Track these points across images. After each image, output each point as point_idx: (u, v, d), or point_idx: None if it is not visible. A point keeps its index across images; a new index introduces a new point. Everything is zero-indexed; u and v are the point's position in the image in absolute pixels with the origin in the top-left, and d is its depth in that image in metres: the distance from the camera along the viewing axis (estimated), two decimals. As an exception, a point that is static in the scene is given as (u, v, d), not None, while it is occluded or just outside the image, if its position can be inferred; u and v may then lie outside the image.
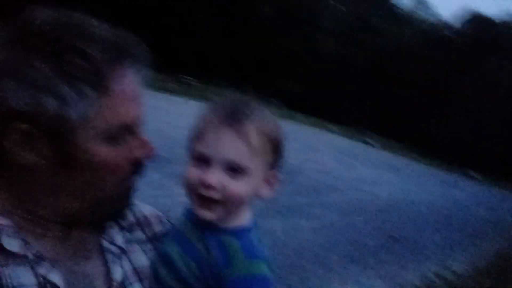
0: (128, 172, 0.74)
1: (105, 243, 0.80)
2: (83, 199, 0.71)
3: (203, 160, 0.81)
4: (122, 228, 0.84)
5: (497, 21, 28.38)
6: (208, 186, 0.79)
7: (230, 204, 0.81)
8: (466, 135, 22.40)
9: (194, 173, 0.81)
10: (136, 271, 0.82)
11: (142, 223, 0.90)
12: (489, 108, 23.03)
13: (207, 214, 0.81)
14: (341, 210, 7.81)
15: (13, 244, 0.67)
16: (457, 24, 30.46)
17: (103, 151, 0.68)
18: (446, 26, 31.08)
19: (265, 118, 0.83)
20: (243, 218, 0.86)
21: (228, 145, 0.79)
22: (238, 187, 0.80)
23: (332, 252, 5.68)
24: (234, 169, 0.80)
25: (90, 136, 0.67)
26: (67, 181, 0.69)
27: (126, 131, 0.71)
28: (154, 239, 0.89)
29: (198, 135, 0.83)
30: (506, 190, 18.70)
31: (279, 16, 24.01)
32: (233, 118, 0.80)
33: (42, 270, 0.68)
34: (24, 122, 0.64)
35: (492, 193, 17.09)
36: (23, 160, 0.66)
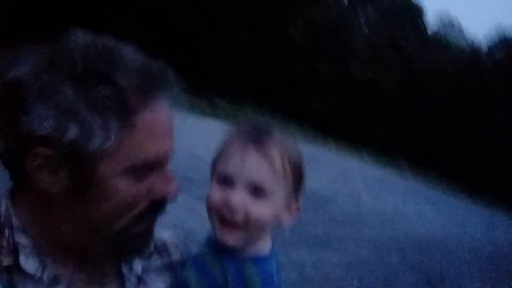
0: (146, 209, 0.71)
1: (125, 272, 0.79)
2: (97, 231, 0.70)
3: (226, 181, 0.81)
4: (141, 256, 0.83)
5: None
6: (231, 208, 0.79)
7: (251, 228, 0.81)
8: (507, 168, 21.11)
9: (217, 194, 0.82)
10: None
11: (161, 251, 0.89)
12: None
13: (228, 239, 0.81)
14: (374, 245, 7.40)
15: (30, 264, 0.67)
16: (487, 46, 29.84)
17: (124, 185, 0.67)
18: (476, 50, 30.47)
19: (288, 143, 0.85)
20: (264, 246, 0.86)
21: (252, 165, 0.80)
22: (260, 210, 0.80)
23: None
24: (257, 192, 0.80)
25: (112, 168, 0.65)
26: (83, 210, 0.68)
27: (150, 168, 0.69)
28: (170, 267, 0.88)
29: (222, 156, 0.84)
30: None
31: (311, 40, 24.19)
32: (257, 140, 0.82)
33: None
34: (46, 147, 0.63)
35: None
36: (43, 185, 0.66)
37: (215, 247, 0.84)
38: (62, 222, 0.69)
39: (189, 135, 11.52)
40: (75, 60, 0.63)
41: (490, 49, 30.47)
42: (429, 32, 33.13)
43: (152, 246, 0.86)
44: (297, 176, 0.85)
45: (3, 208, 0.70)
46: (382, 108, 25.32)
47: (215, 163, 0.85)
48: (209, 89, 18.38)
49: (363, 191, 12.46)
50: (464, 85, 24.13)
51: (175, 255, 0.91)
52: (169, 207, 0.77)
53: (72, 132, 0.62)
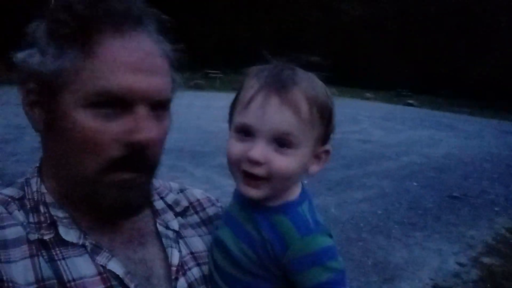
0: (117, 155, 0.65)
1: (161, 228, 0.79)
2: (63, 173, 0.69)
3: (246, 133, 0.74)
4: (176, 213, 0.83)
5: None
6: (253, 162, 0.73)
7: (276, 181, 0.74)
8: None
9: (237, 147, 0.75)
10: (194, 255, 0.81)
11: (196, 207, 0.88)
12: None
13: (252, 192, 0.75)
14: (394, 176, 7.47)
15: (71, 234, 0.67)
16: None
17: (86, 118, 0.63)
18: None
19: (315, 85, 0.75)
20: (293, 193, 0.79)
21: (275, 114, 0.71)
22: (285, 162, 0.73)
23: (391, 220, 5.41)
24: (281, 142, 0.73)
25: (73, 97, 0.64)
26: (56, 146, 0.68)
27: (117, 105, 0.64)
28: (209, 222, 0.88)
29: (240, 105, 0.75)
30: None
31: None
32: (279, 85, 0.72)
33: (101, 260, 0.68)
34: (32, 82, 0.66)
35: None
36: (33, 122, 0.68)
37: (243, 200, 0.79)
38: (58, 170, 0.69)
39: (190, 110, 11.50)
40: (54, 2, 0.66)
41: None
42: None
43: (187, 203, 0.87)
44: (325, 120, 0.76)
45: (34, 187, 0.71)
46: (377, 43, 24.65)
47: (232, 112, 0.77)
48: (200, 62, 18.10)
49: (374, 129, 12.42)
50: (455, 3, 23.18)
51: (210, 210, 0.90)
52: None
53: (35, 60, 0.64)
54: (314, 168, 0.79)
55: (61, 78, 0.63)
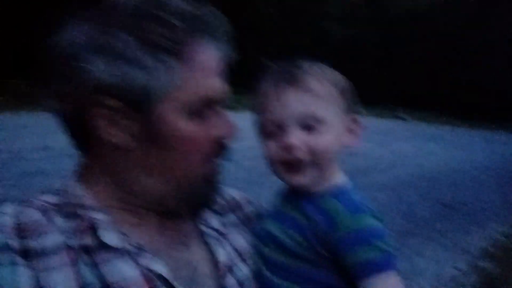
0: (211, 151, 0.71)
1: (203, 228, 0.79)
2: (169, 179, 0.69)
3: (275, 130, 0.77)
4: (215, 212, 0.83)
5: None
6: (290, 148, 0.75)
7: (318, 160, 0.76)
8: (500, 87, 21.12)
9: (271, 143, 0.77)
10: (238, 252, 0.81)
11: (233, 206, 0.89)
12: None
13: (299, 179, 0.77)
14: (386, 188, 7.54)
15: (112, 238, 0.66)
16: None
17: (187, 127, 0.66)
18: None
19: (322, 68, 0.80)
20: (338, 179, 0.82)
21: (295, 101, 0.75)
22: (320, 140, 0.76)
23: (388, 230, 5.44)
24: (310, 125, 0.75)
25: (174, 109, 0.65)
26: (153, 159, 0.67)
27: (208, 106, 0.69)
28: (247, 221, 0.88)
29: (261, 109, 0.79)
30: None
31: (283, 13, 23.88)
32: (289, 76, 0.77)
33: (144, 261, 0.67)
34: (112, 97, 0.63)
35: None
36: (112, 138, 0.65)
37: (288, 196, 0.81)
38: (134, 176, 0.68)
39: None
40: (127, 9, 0.64)
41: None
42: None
43: (224, 203, 0.87)
44: (345, 96, 0.80)
45: (72, 192, 0.70)
46: (367, 62, 25.19)
47: (256, 120, 0.81)
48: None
49: (367, 143, 12.53)
50: (441, 19, 23.96)
51: (248, 209, 0.90)
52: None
53: (134, 76, 0.62)
54: (350, 140, 0.83)
55: (159, 89, 0.63)
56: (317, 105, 0.76)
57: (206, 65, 0.67)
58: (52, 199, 0.69)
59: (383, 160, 10.00)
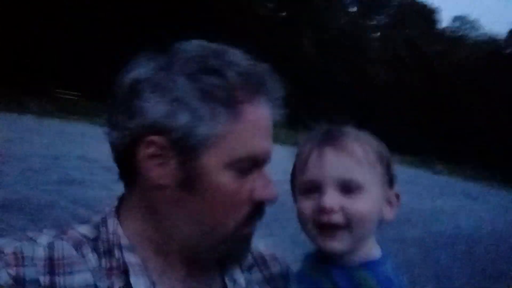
0: (248, 211, 0.71)
1: (230, 284, 0.78)
2: (204, 230, 0.70)
3: (312, 189, 0.76)
4: (242, 269, 0.82)
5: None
6: (328, 210, 0.74)
7: (355, 226, 0.75)
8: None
9: (307, 204, 0.76)
10: None
11: (260, 263, 0.88)
12: None
13: (334, 245, 0.75)
14: (421, 244, 7.08)
15: (141, 284, 0.67)
16: (504, 37, 29.32)
17: (229, 181, 0.67)
18: (494, 41, 29.87)
19: (363, 134, 0.81)
20: (372, 249, 0.79)
21: (334, 163, 0.76)
22: (359, 204, 0.75)
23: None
24: (349, 188, 0.75)
25: (217, 159, 0.66)
26: (192, 205, 0.68)
27: (254, 165, 0.70)
28: (272, 280, 0.87)
29: (299, 167, 0.79)
30: None
31: (325, 50, 24.16)
32: (331, 138, 0.78)
33: None
34: (158, 135, 0.65)
35: None
36: (156, 177, 0.67)
37: (319, 260, 0.79)
38: (175, 221, 0.70)
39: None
40: (190, 58, 0.67)
41: (507, 38, 29.83)
42: (443, 27, 32.85)
43: (251, 259, 0.86)
44: (384, 164, 0.80)
45: (110, 228, 0.71)
46: (405, 109, 24.84)
47: (293, 177, 0.81)
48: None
49: (400, 194, 12.03)
50: (486, 75, 23.44)
51: (275, 268, 0.89)
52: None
53: (182, 118, 0.65)
54: (389, 212, 0.81)
55: (208, 137, 0.65)
56: (358, 170, 0.76)
57: (258, 124, 0.69)
58: (90, 232, 0.70)
59: (415, 214, 9.49)
